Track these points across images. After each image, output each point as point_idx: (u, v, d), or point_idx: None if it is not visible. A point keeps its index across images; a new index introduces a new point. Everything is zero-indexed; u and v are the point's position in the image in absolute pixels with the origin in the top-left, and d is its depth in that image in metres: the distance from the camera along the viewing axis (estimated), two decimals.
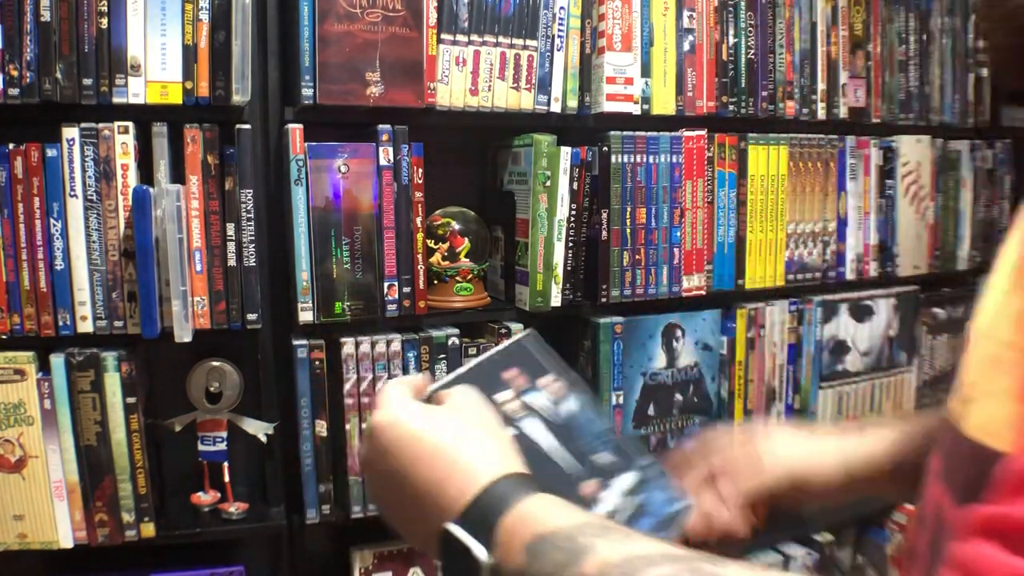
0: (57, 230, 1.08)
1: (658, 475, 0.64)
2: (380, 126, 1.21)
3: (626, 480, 0.62)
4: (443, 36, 1.24)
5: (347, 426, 1.23)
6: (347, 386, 1.23)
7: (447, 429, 0.50)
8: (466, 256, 1.34)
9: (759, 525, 0.75)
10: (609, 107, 1.35)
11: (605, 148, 1.34)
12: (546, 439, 0.61)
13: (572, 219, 1.34)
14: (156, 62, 1.08)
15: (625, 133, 1.36)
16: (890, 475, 0.69)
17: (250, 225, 1.15)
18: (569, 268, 1.35)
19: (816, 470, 0.72)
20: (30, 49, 1.02)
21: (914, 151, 1.70)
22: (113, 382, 1.11)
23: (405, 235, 1.24)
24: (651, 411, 1.46)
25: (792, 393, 1.60)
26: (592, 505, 0.59)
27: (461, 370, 0.59)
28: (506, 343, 0.65)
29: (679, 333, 1.46)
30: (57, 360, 1.09)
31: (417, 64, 1.21)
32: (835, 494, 0.72)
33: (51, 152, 1.06)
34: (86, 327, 1.10)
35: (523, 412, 0.61)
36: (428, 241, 1.31)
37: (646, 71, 1.38)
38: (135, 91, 1.08)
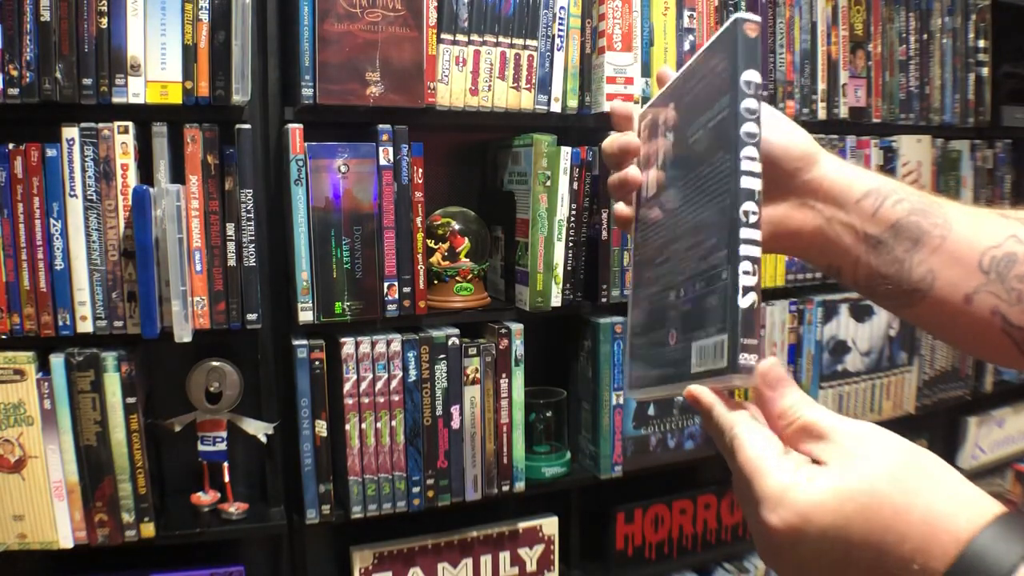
0: (57, 230, 1.08)
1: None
2: (380, 126, 1.20)
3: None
4: (443, 36, 1.24)
5: (347, 426, 1.23)
6: (347, 386, 1.23)
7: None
8: (466, 256, 1.34)
9: None
10: (609, 107, 1.35)
11: None
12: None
13: (572, 219, 1.33)
14: (156, 62, 1.08)
15: None
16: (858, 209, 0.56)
17: (250, 225, 1.15)
18: (569, 268, 1.34)
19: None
20: (30, 49, 1.02)
21: (914, 151, 1.69)
22: (113, 382, 1.11)
23: (405, 235, 1.24)
24: (651, 411, 1.46)
25: None
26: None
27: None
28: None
29: None
30: (57, 360, 1.09)
31: (417, 64, 1.20)
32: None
33: (51, 152, 1.06)
34: (86, 327, 1.10)
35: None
36: (428, 241, 1.31)
37: (646, 71, 1.38)
38: (135, 91, 1.08)
